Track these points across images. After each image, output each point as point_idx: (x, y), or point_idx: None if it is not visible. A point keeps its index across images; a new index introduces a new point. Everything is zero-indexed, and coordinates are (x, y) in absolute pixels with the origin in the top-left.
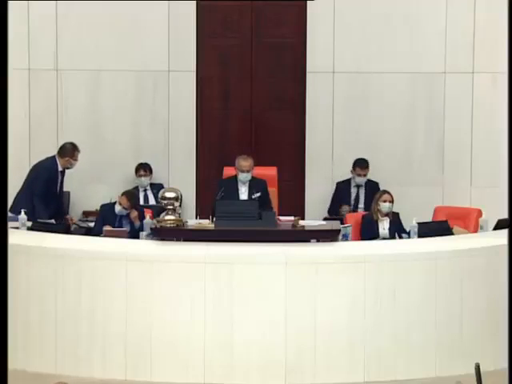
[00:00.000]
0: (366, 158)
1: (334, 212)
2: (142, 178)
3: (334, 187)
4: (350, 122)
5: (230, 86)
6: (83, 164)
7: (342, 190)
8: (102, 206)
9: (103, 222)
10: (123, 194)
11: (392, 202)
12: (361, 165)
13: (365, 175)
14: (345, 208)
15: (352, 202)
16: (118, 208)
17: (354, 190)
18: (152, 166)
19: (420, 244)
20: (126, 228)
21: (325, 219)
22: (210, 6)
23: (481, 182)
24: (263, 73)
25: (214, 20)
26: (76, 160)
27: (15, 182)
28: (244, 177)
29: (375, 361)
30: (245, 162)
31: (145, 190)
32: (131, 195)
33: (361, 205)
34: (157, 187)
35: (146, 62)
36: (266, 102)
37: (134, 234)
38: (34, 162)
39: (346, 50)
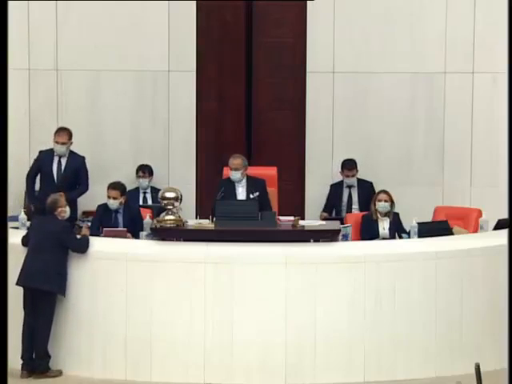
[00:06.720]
0: (367, 158)
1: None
2: (141, 180)
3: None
4: (350, 122)
5: (230, 86)
6: None
7: (335, 192)
8: (98, 207)
9: (100, 221)
10: (109, 187)
11: (391, 201)
12: (348, 166)
13: (353, 175)
14: (322, 215)
15: (345, 203)
16: (110, 202)
17: (346, 191)
18: (152, 166)
19: (420, 244)
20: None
21: (325, 219)
22: (210, 6)
23: (481, 181)
24: (263, 73)
25: (213, 20)
26: (56, 142)
27: (15, 182)
28: (233, 175)
29: (375, 361)
30: (234, 159)
31: (144, 193)
32: (116, 184)
33: (355, 205)
34: (157, 191)
35: (145, 62)
36: (266, 102)
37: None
38: None
39: (347, 50)
